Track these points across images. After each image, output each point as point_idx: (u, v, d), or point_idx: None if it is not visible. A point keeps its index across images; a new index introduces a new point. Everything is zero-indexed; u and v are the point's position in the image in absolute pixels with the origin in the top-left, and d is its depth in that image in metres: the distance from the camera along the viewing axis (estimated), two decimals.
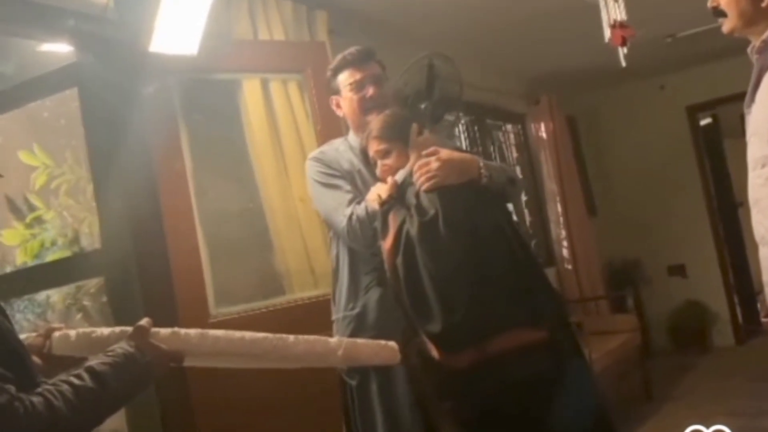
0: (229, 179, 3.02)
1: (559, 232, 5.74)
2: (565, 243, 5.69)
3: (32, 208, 3.12)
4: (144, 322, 1.45)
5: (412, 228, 1.94)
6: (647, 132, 6.57)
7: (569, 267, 5.69)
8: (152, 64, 2.53)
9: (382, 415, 2.16)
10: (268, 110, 2.94)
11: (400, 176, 2.13)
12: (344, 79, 2.29)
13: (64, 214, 3.12)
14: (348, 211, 2.17)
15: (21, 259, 3.09)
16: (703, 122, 6.89)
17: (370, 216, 2.12)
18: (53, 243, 3.13)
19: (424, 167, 2.03)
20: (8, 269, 3.10)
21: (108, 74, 2.60)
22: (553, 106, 5.87)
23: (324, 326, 2.39)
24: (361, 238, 2.17)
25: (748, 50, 1.98)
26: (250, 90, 2.94)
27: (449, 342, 1.90)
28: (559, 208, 5.74)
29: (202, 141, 2.83)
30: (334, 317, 2.32)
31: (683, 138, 6.57)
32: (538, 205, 5.88)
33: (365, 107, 2.26)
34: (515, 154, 5.89)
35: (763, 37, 1.90)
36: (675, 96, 6.52)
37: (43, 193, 3.09)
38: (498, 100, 5.46)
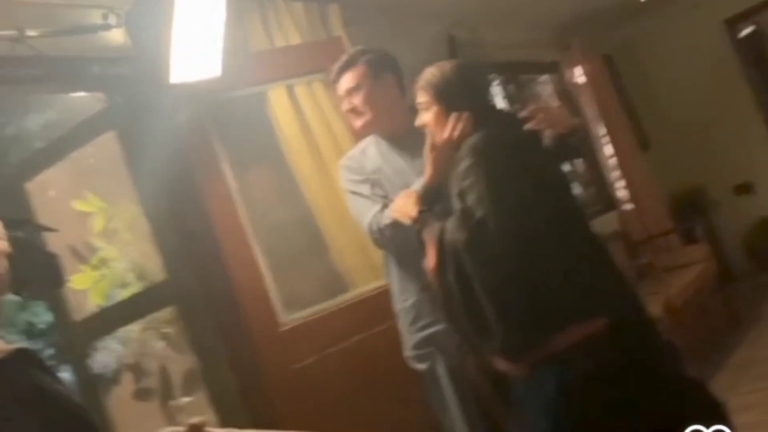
0: (274, 190, 3.06)
1: (613, 174, 5.64)
2: (621, 184, 5.59)
3: (95, 250, 3.23)
4: None
5: (457, 237, 1.85)
6: (688, 54, 6.35)
7: (630, 207, 5.58)
8: (179, 92, 2.58)
9: (452, 395, 2.21)
10: (298, 114, 2.97)
11: (417, 186, 2.11)
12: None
13: (127, 250, 3.22)
14: (369, 220, 2.24)
15: (94, 300, 3.21)
16: (744, 33, 6.63)
17: (391, 225, 2.17)
18: (122, 280, 3.25)
19: (541, 112, 2.01)
20: (86, 313, 3.23)
21: (140, 112, 2.68)
22: (585, 49, 5.74)
23: (390, 315, 2.44)
24: (386, 245, 2.27)
25: None
26: (277, 98, 2.97)
27: (514, 351, 1.84)
28: (610, 150, 5.63)
29: (240, 158, 2.87)
30: (395, 309, 2.37)
31: (726, 53, 6.33)
32: (589, 151, 5.77)
33: (350, 118, 2.41)
34: (557, 104, 5.79)
35: None
36: (711, 11, 6.28)
37: (105, 234, 3.19)
38: (528, 53, 5.37)
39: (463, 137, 2.00)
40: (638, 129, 6.41)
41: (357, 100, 2.33)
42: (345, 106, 2.38)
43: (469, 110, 2.01)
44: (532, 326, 1.81)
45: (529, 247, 1.83)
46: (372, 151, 2.40)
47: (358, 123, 2.37)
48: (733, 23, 6.35)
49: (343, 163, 2.45)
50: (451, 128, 2.01)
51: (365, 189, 2.32)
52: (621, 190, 5.64)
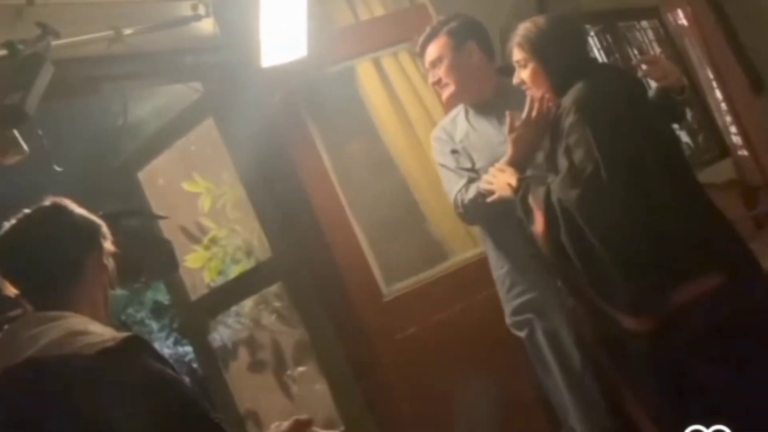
0: (368, 163, 3.09)
1: (725, 119, 5.34)
2: (734, 129, 5.29)
3: (205, 230, 3.38)
4: None
5: (569, 195, 1.82)
6: None
7: (745, 153, 5.29)
8: (269, 75, 2.64)
9: (553, 358, 2.20)
10: (387, 87, 2.98)
11: (501, 163, 2.12)
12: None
13: (236, 228, 3.35)
14: (455, 195, 2.27)
15: (207, 278, 3.37)
16: None
17: (476, 198, 2.19)
18: (232, 258, 3.39)
19: (653, 63, 2.04)
20: (201, 290, 3.40)
21: (233, 97, 2.77)
22: None
23: (490, 283, 2.44)
24: (473, 218, 2.33)
25: None
26: (365, 72, 2.98)
27: (642, 306, 1.82)
28: (720, 94, 5.33)
29: (333, 134, 2.92)
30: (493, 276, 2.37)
31: None
32: (697, 97, 5.49)
33: (437, 91, 2.43)
34: (658, 50, 5.52)
35: None
36: None
37: (213, 214, 3.33)
38: None
39: (543, 117, 2.00)
40: (750, 71, 6.01)
41: (441, 72, 2.34)
42: (431, 78, 2.39)
43: (568, 64, 2.00)
44: (657, 280, 1.80)
45: (644, 201, 1.82)
46: (461, 119, 2.41)
47: (444, 95, 2.38)
48: None
49: (434, 134, 2.48)
50: (530, 109, 2.02)
51: (451, 162, 2.35)
52: (734, 136, 5.34)
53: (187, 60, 2.64)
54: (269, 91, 2.71)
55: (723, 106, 5.34)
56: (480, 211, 2.24)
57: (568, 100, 1.93)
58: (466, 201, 2.25)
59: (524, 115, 2.04)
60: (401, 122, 2.97)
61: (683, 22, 5.43)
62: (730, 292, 1.79)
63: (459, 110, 2.44)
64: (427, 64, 2.40)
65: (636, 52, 5.26)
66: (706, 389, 1.80)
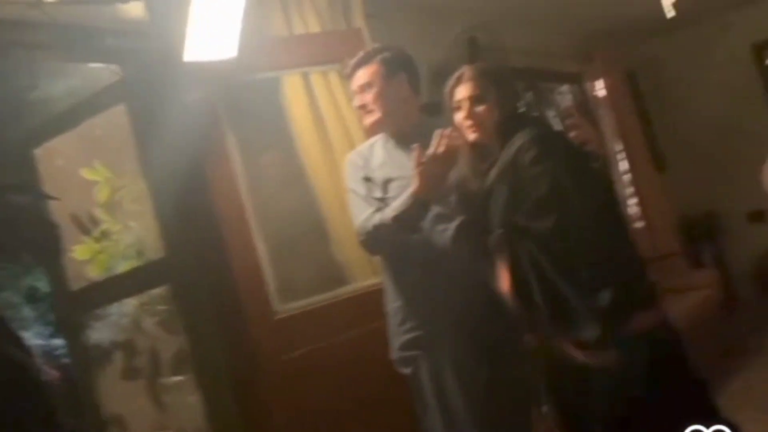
0: (280, 176, 3.04)
1: (626, 190, 5.59)
2: (634, 201, 5.54)
3: (98, 222, 3.23)
4: None
5: (541, 224, 1.87)
6: (713, 76, 6.28)
7: (641, 225, 5.54)
8: (192, 71, 2.56)
9: (434, 399, 2.20)
10: (311, 103, 2.95)
11: (403, 197, 2.14)
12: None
13: (130, 224, 3.21)
14: (360, 222, 2.26)
15: (93, 272, 3.20)
16: None
17: (378, 228, 2.19)
18: (123, 254, 3.24)
19: (579, 128, 2.08)
20: (84, 284, 3.22)
21: (151, 87, 2.67)
22: (608, 62, 5.69)
23: (384, 314, 2.41)
24: (373, 249, 2.33)
25: None
26: (291, 85, 2.95)
27: (601, 338, 1.84)
28: (625, 166, 5.58)
29: (249, 142, 2.86)
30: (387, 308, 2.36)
31: (751, 78, 6.26)
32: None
33: (362, 115, 2.40)
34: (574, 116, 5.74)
35: None
36: (739, 35, 6.20)
37: (109, 206, 3.19)
38: (550, 61, 5.32)
39: (451, 153, 2.04)
40: (655, 149, 6.34)
41: (368, 97, 2.33)
42: (356, 102, 2.39)
43: (516, 107, 2.10)
44: (623, 308, 1.84)
45: (606, 235, 1.90)
46: (379, 147, 2.41)
47: (368, 120, 2.37)
48: (761, 49, 6.28)
49: (349, 158, 2.46)
50: (438, 144, 2.05)
51: (362, 189, 2.34)
52: (632, 207, 5.59)
53: (109, 41, 2.54)
54: (189, 87, 2.63)
55: (626, 177, 5.58)
56: (380, 242, 2.25)
57: (522, 138, 1.99)
58: (369, 229, 2.24)
59: (431, 150, 2.06)
60: (320, 141, 2.94)
61: (601, 92, 5.67)
62: (667, 324, 1.94)
63: (378, 138, 2.45)
64: (354, 87, 2.39)
65: (554, 113, 5.45)
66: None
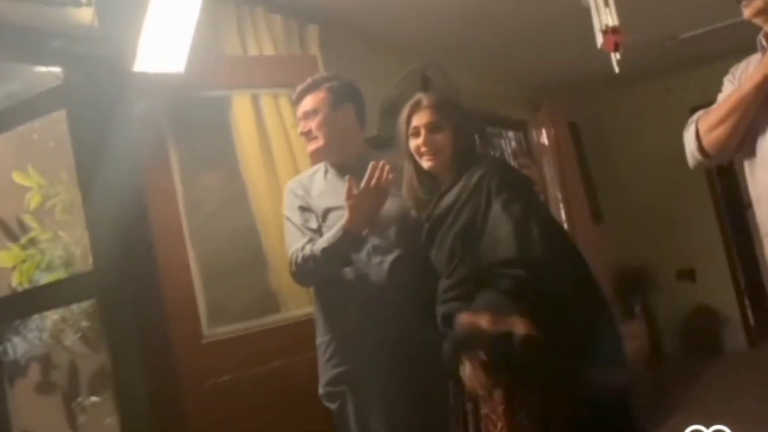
0: (221, 197, 2.99)
1: None
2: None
3: (26, 229, 3.11)
4: None
5: (534, 253, 1.85)
6: (652, 135, 6.49)
7: None
8: (139, 82, 2.51)
9: None
10: (259, 126, 2.92)
11: (336, 229, 2.16)
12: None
13: (59, 234, 3.10)
14: (292, 252, 2.27)
15: (17, 280, 3.07)
16: None
17: (308, 259, 2.20)
18: (49, 264, 3.12)
19: (530, 168, 2.09)
20: (5, 292, 3.08)
21: (95, 94, 2.59)
22: (554, 113, 5.82)
23: (314, 345, 2.38)
24: (303, 280, 2.33)
25: (760, 36, 1.93)
26: (240, 106, 2.91)
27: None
28: (563, 216, 5.68)
29: (192, 159, 2.80)
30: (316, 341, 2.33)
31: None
32: None
33: (305, 141, 2.41)
34: (517, 162, 5.84)
35: None
36: (679, 98, 6.43)
37: (39, 214, 3.08)
38: (498, 107, 5.42)
39: (384, 187, 2.06)
40: (593, 200, 6.49)
41: (312, 124, 2.34)
42: (300, 128, 2.39)
43: (473, 139, 2.08)
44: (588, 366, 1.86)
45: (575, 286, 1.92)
46: (320, 177, 2.41)
47: (310, 147, 2.38)
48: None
49: (289, 185, 2.46)
50: (370, 177, 2.08)
51: (298, 218, 2.34)
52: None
53: (56, 44, 2.46)
54: (134, 98, 2.57)
55: (564, 226, 5.67)
56: (310, 274, 2.24)
57: (480, 169, 2.02)
58: (299, 260, 2.23)
59: (364, 182, 2.07)
60: (265, 164, 2.90)
61: (545, 141, 5.79)
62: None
63: (320, 167, 2.45)
64: (300, 113, 2.40)
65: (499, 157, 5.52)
66: None
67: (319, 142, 2.35)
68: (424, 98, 2.11)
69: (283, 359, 2.65)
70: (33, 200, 3.04)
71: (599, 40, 3.04)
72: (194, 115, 2.83)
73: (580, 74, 5.65)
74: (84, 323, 3.08)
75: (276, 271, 2.92)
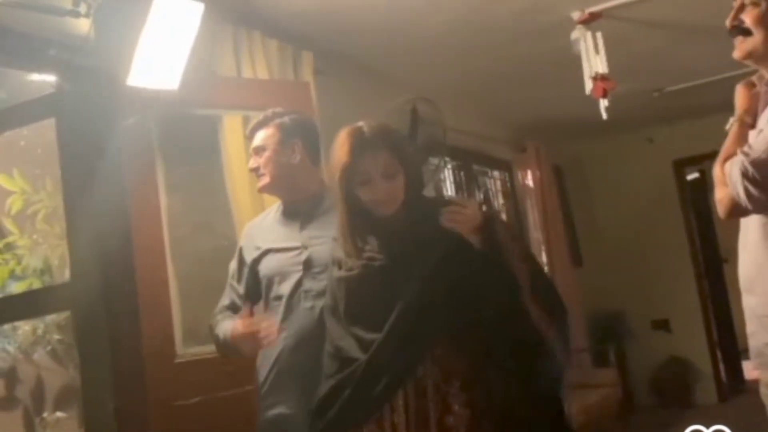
0: (205, 216, 2.97)
1: None
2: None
3: (4, 233, 3.08)
4: None
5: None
6: (634, 184, 6.58)
7: None
8: (131, 96, 2.50)
9: None
10: (248, 147, 2.90)
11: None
12: None
13: (39, 241, 3.07)
14: (215, 311, 2.31)
15: None
16: (690, 177, 6.92)
17: (223, 343, 2.22)
18: (24, 270, 3.08)
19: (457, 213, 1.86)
20: None
21: (86, 105, 2.58)
22: (539, 155, 5.88)
23: None
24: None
25: (755, 78, 1.92)
26: (231, 127, 2.91)
27: None
28: (544, 257, 5.71)
29: (178, 176, 2.80)
30: None
31: (670, 192, 6.59)
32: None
33: (255, 177, 2.38)
34: (501, 201, 5.88)
35: None
36: (662, 149, 6.55)
37: (20, 219, 3.05)
38: (485, 146, 5.47)
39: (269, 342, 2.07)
40: (574, 244, 6.54)
41: (261, 160, 2.30)
42: (251, 164, 2.36)
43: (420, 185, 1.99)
44: None
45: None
46: (271, 218, 2.39)
47: (259, 184, 2.35)
48: (681, 165, 6.63)
49: (245, 228, 2.46)
50: (258, 330, 2.07)
51: (232, 267, 2.37)
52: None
53: (51, 52, 2.46)
54: (126, 112, 2.56)
55: (545, 269, 5.69)
56: (217, 348, 2.28)
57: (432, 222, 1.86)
58: (212, 325, 2.29)
59: (252, 328, 2.09)
60: (251, 185, 2.88)
61: (529, 183, 5.84)
62: None
63: (277, 206, 2.41)
64: (251, 149, 2.37)
65: (482, 196, 5.56)
66: None
67: (266, 180, 2.30)
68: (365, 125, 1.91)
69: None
70: (14, 204, 3.02)
71: (588, 86, 3.09)
72: (184, 132, 2.83)
73: (566, 119, 5.73)
74: (55, 336, 3.03)
75: None
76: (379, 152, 1.85)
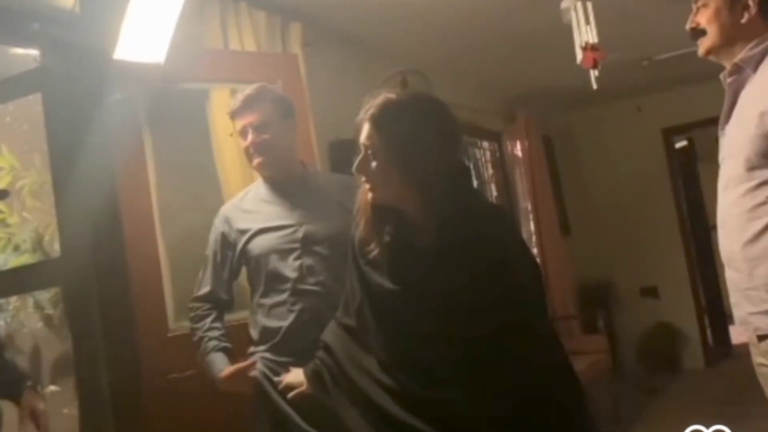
0: (194, 192, 2.97)
1: (532, 250, 5.74)
2: (537, 261, 5.68)
3: None
4: None
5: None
6: (623, 153, 6.60)
7: None
8: (118, 70, 2.48)
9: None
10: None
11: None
12: (235, 127, 2.35)
13: (28, 218, 3.06)
14: (192, 298, 2.38)
15: None
16: (679, 145, 6.94)
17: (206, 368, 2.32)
18: (15, 247, 3.07)
19: None
20: None
21: (72, 80, 2.55)
22: (529, 125, 5.88)
23: None
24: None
25: (721, 76, 2.00)
26: (219, 100, 2.90)
27: None
28: (533, 227, 5.74)
29: (167, 151, 2.78)
30: None
31: (658, 160, 6.61)
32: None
33: (249, 154, 2.32)
34: (491, 172, 5.89)
35: (737, 59, 1.92)
36: (651, 118, 6.56)
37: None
38: (474, 117, 5.45)
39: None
40: (563, 213, 6.57)
41: (263, 137, 2.27)
42: (246, 141, 2.30)
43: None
44: None
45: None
46: (251, 197, 2.37)
47: (257, 161, 2.30)
48: (669, 133, 6.65)
49: (222, 209, 2.42)
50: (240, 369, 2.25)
51: (211, 255, 2.37)
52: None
53: (34, 26, 2.42)
54: (112, 86, 2.54)
55: (533, 238, 5.72)
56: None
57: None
58: (191, 317, 2.38)
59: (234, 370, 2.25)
60: (240, 159, 2.88)
61: (518, 153, 5.84)
62: None
63: (255, 186, 2.39)
64: (243, 125, 2.30)
65: (471, 166, 5.55)
66: None
67: (267, 156, 2.28)
68: (369, 107, 1.66)
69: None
70: (2, 180, 3.00)
71: (579, 56, 3.08)
72: (171, 106, 2.81)
73: (555, 89, 5.72)
74: (50, 311, 3.04)
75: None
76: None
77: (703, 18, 2.00)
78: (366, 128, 1.62)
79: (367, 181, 1.63)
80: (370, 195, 1.63)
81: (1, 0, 2.30)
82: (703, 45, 2.01)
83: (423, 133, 1.60)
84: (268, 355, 2.28)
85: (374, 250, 1.65)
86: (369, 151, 1.61)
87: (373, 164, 1.60)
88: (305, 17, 3.41)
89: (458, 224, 1.56)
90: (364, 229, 1.68)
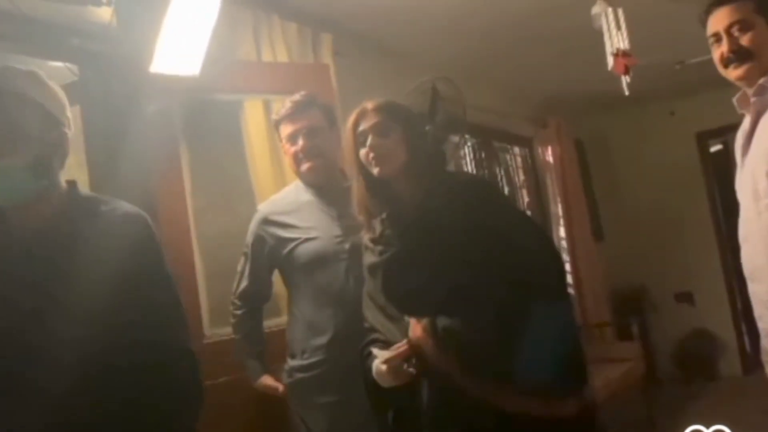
0: (229, 200, 3.01)
1: (563, 256, 5.70)
2: (567, 268, 5.65)
3: None
4: None
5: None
6: (657, 158, 6.54)
7: (573, 292, 5.64)
8: (154, 83, 2.54)
9: None
10: (270, 131, 2.94)
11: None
12: (282, 132, 2.38)
13: None
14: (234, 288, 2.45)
15: None
16: (714, 149, 6.85)
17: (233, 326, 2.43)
18: None
19: None
20: None
21: (110, 93, 2.62)
22: (560, 130, 5.85)
23: None
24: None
25: (734, 100, 1.97)
26: (252, 111, 2.94)
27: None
28: (563, 232, 5.71)
29: (202, 161, 2.83)
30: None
31: (693, 164, 6.54)
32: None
33: (298, 159, 2.34)
34: (522, 177, 5.87)
35: (762, 80, 1.89)
36: (685, 122, 6.48)
37: None
38: (505, 123, 5.45)
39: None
40: (595, 218, 6.52)
41: (314, 142, 2.31)
42: (295, 146, 2.33)
43: (424, 150, 2.01)
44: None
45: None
46: (292, 200, 2.39)
47: (306, 166, 2.33)
48: (704, 137, 6.56)
49: (260, 207, 2.46)
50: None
51: (253, 254, 2.42)
52: (568, 274, 5.69)
53: (74, 41, 2.49)
54: (149, 99, 2.60)
55: (563, 243, 5.69)
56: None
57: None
58: (232, 307, 2.47)
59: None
60: (274, 169, 2.93)
61: (550, 158, 5.82)
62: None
63: (296, 190, 2.42)
64: (294, 130, 2.32)
65: (502, 172, 5.55)
66: None
67: (319, 161, 2.31)
68: (369, 102, 1.94)
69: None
70: None
71: (610, 62, 3.07)
72: (206, 118, 2.86)
73: (588, 93, 5.69)
74: None
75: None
76: (375, 117, 1.90)
77: (750, 40, 1.93)
78: (376, 114, 1.90)
79: (376, 157, 1.88)
80: (377, 169, 1.88)
81: (41, 16, 2.35)
82: (747, 68, 1.95)
83: (419, 120, 1.95)
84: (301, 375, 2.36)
85: (376, 227, 1.96)
86: (382, 132, 1.88)
87: (387, 140, 1.88)
88: (335, 28, 3.45)
89: (440, 191, 1.87)
90: (363, 213, 1.97)
